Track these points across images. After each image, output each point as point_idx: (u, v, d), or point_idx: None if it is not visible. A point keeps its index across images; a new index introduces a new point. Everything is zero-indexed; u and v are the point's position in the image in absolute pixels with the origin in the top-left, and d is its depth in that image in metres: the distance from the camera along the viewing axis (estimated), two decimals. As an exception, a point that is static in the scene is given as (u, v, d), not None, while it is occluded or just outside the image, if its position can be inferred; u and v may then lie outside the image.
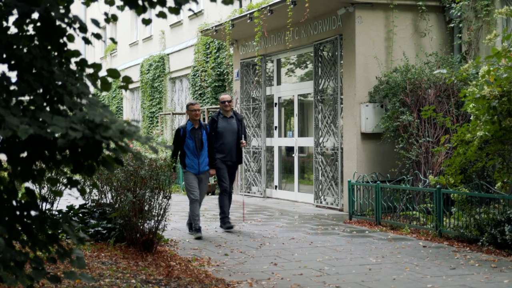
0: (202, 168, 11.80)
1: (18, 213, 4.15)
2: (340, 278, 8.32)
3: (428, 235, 11.57)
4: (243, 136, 12.67)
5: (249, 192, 19.48)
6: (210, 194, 20.21)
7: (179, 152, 11.89)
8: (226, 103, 12.62)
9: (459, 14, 14.58)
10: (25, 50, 4.09)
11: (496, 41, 10.15)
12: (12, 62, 4.06)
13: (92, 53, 38.02)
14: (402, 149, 13.78)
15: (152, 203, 9.65)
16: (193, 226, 11.73)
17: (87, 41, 4.45)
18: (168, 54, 28.82)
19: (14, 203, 4.15)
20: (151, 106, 30.11)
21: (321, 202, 16.31)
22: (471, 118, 10.43)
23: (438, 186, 11.51)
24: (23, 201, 4.19)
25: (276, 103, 18.86)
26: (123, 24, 33.00)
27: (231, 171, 12.69)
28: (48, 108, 4.00)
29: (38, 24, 4.24)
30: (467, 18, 14.49)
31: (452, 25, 14.96)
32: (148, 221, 9.67)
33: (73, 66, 4.33)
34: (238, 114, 12.93)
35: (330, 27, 15.79)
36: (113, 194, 9.89)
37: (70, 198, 8.85)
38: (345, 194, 14.71)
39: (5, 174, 4.26)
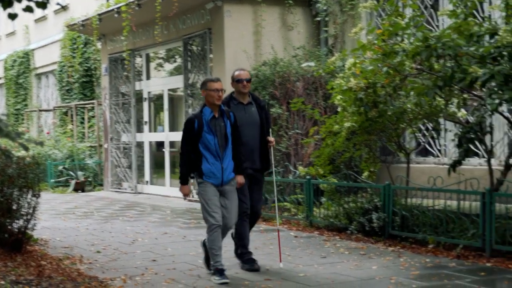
0: (226, 176, 7.92)
1: None
2: (214, 271, 8.34)
3: (299, 225, 11.77)
4: (270, 130, 8.74)
5: (119, 188, 19.26)
6: (80, 191, 19.86)
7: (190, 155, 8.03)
8: (245, 82, 8.56)
9: (325, 8, 14.87)
10: None
11: (361, 34, 10.41)
12: None
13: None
14: (272, 141, 13.91)
15: (20, 202, 9.38)
16: (212, 264, 7.91)
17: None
18: (33, 50, 28.16)
19: None
20: (16, 103, 29.32)
21: (193, 196, 16.28)
22: (339, 109, 10.68)
23: (308, 177, 11.72)
24: None
25: (145, 98, 18.70)
26: (-15, 18, 31.97)
27: (254, 183, 8.57)
28: None
29: None
30: (332, 12, 14.80)
31: (318, 18, 15.23)
32: (16, 221, 9.40)
33: None
34: (259, 99, 8.87)
35: (199, 21, 15.78)
36: (-21, 194, 9.55)
37: None
38: (217, 187, 14.72)
39: None
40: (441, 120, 10.85)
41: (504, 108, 9.12)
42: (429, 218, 9.65)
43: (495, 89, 8.30)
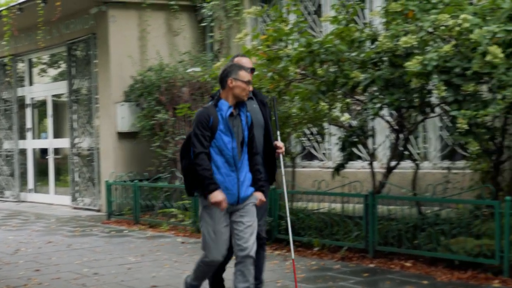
0: (244, 191, 6.13)
1: None
2: (100, 279, 8.22)
3: (186, 231, 11.73)
4: (278, 133, 6.83)
5: (2, 197, 18.73)
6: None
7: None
8: (248, 71, 6.35)
9: (210, 13, 14.89)
10: None
11: (246, 40, 10.46)
12: None
13: None
14: (159, 147, 13.86)
15: None
16: (189, 282, 6.51)
17: None
18: None
19: None
20: None
21: (78, 204, 16.02)
22: (225, 115, 10.67)
23: (194, 182, 11.67)
24: None
25: (28, 104, 18.27)
26: None
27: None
28: None
29: None
30: (218, 18, 14.84)
31: (204, 24, 15.24)
32: None
33: None
34: (260, 93, 6.98)
35: (83, 26, 15.54)
36: None
37: None
38: (103, 194, 14.56)
39: None
40: (325, 125, 11.03)
41: (385, 112, 9.34)
42: (314, 221, 9.79)
43: (376, 93, 8.51)
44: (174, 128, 13.71)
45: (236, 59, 6.73)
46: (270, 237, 10.19)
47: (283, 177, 6.86)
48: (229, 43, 14.54)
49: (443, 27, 7.82)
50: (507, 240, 7.54)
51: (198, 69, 13.89)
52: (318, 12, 12.78)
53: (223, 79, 6.12)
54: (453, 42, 7.79)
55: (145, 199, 13.13)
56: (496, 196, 8.18)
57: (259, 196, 6.22)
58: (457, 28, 7.64)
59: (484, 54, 7.32)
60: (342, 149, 9.55)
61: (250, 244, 6.10)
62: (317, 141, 12.33)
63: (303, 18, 9.85)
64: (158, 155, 13.92)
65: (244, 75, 6.08)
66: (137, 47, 14.99)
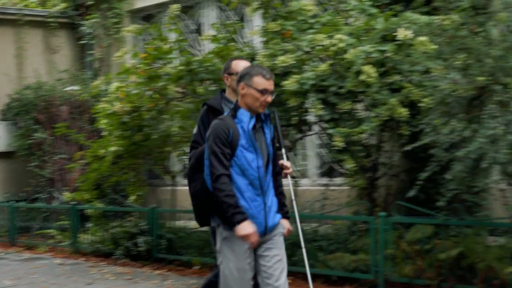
0: (271, 219, 4.98)
1: None
2: (-28, 304, 7.95)
3: (64, 252, 11.50)
4: (283, 151, 5.50)
5: None
6: None
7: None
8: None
9: (90, 31, 14.71)
10: None
11: (127, 58, 10.39)
12: None
13: None
14: (37, 167, 13.55)
15: None
16: None
17: None
18: None
19: None
20: None
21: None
22: (104, 133, 10.56)
23: (73, 202, 11.48)
24: None
25: None
26: None
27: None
28: None
29: None
30: (98, 35, 14.67)
31: (83, 42, 15.04)
32: None
33: None
34: None
35: (-44, 43, 15.09)
36: None
37: None
38: (-22, 216, 14.11)
39: None
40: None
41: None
42: (195, 239, 9.76)
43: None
44: (52, 148, 13.45)
45: (233, 62, 5.69)
46: (150, 257, 10.11)
47: (293, 201, 5.61)
48: (109, 61, 14.40)
49: (319, 47, 7.96)
50: (382, 255, 7.72)
51: (77, 87, 13.69)
52: (198, 30, 12.83)
53: (237, 84, 5.06)
54: (329, 61, 7.94)
55: (22, 220, 12.80)
56: (371, 212, 8.36)
57: (286, 225, 5.09)
58: (333, 48, 7.80)
59: (358, 73, 7.50)
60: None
61: (281, 282, 4.91)
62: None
63: (183, 36, 9.85)
64: (36, 175, 13.61)
65: (259, 83, 4.93)
66: (14, 64, 14.64)
